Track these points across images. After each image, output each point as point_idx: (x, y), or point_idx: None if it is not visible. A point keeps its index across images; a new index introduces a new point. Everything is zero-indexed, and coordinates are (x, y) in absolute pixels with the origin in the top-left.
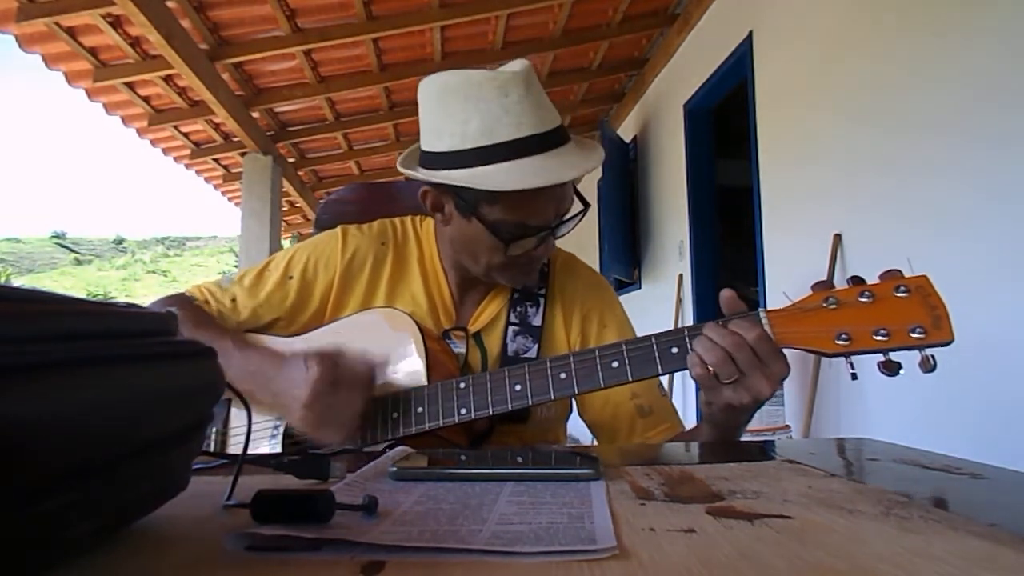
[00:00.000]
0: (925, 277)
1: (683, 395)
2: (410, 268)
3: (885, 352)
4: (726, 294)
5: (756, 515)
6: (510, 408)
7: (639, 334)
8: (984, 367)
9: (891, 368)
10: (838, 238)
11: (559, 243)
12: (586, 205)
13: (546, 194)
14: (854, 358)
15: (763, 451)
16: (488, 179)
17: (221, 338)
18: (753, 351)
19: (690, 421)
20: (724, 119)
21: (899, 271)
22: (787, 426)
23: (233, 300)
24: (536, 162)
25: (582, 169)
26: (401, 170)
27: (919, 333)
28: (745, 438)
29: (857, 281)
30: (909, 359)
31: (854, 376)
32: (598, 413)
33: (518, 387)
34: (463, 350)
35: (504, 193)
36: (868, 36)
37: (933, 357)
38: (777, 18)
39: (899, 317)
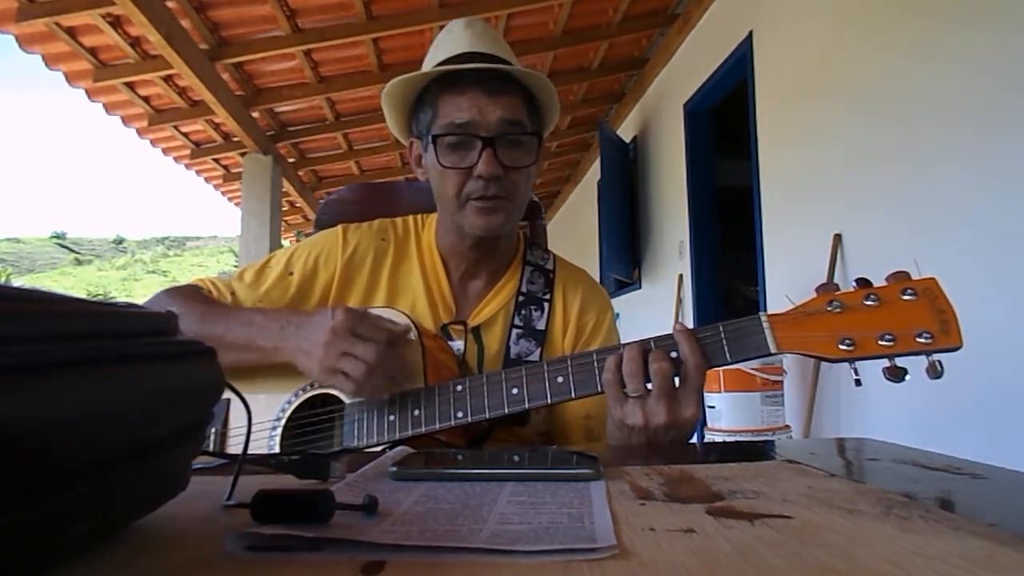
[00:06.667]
0: (933, 280)
1: None
2: (410, 263)
3: (890, 358)
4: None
5: (756, 515)
6: (507, 412)
7: (638, 335)
8: (986, 367)
9: (896, 374)
10: (838, 238)
11: (563, 248)
12: (533, 134)
13: (472, 94)
14: (858, 363)
15: (763, 451)
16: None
17: (240, 308)
18: (671, 382)
19: None
20: (724, 119)
21: (906, 273)
22: (787, 426)
23: (233, 295)
24: (462, 59)
25: (499, 66)
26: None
27: (926, 338)
28: (745, 438)
29: (863, 283)
30: (915, 364)
31: (858, 382)
32: (552, 418)
33: (515, 391)
34: (461, 345)
35: (438, 99)
36: (868, 36)
37: (940, 363)
38: (777, 18)
39: (905, 321)
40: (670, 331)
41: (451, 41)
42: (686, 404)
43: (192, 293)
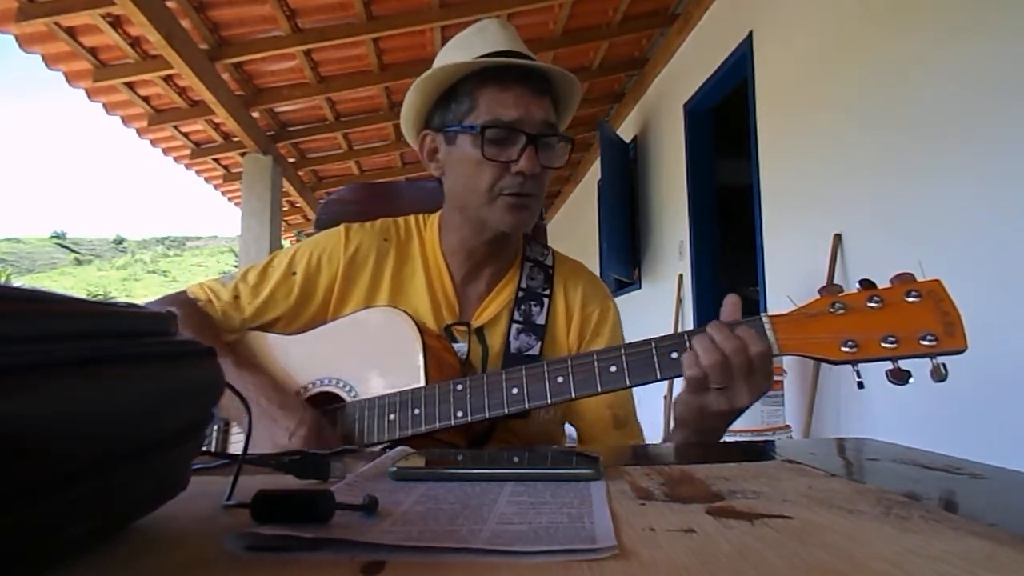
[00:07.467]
0: (938, 281)
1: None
2: (413, 263)
3: (894, 360)
4: (731, 300)
5: (756, 515)
6: (507, 412)
7: (639, 335)
8: (985, 368)
9: (900, 377)
10: (838, 238)
11: (563, 248)
12: (569, 140)
13: (518, 91)
14: (861, 366)
15: (763, 451)
16: (460, 66)
17: (220, 352)
18: (751, 362)
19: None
20: (724, 119)
21: (911, 274)
22: (787, 426)
23: (236, 297)
24: (504, 56)
25: (547, 65)
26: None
27: (930, 341)
28: (745, 438)
29: (866, 285)
30: (919, 367)
31: (860, 385)
32: (578, 418)
33: (515, 390)
34: (465, 346)
35: (479, 92)
36: (868, 35)
37: (944, 366)
38: (777, 18)
39: (909, 323)
40: (670, 331)
41: (486, 39)
42: (764, 377)
43: (185, 311)
